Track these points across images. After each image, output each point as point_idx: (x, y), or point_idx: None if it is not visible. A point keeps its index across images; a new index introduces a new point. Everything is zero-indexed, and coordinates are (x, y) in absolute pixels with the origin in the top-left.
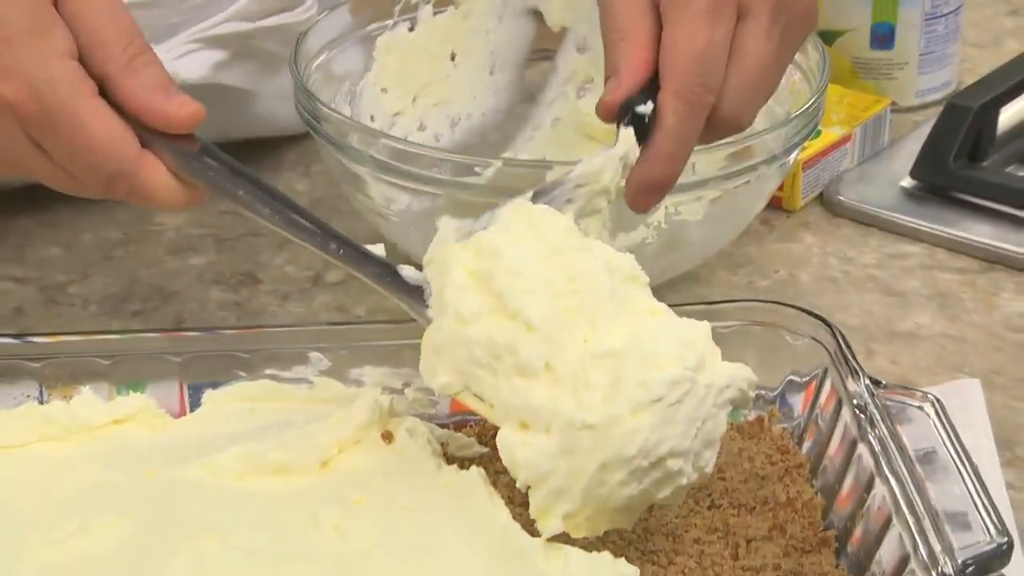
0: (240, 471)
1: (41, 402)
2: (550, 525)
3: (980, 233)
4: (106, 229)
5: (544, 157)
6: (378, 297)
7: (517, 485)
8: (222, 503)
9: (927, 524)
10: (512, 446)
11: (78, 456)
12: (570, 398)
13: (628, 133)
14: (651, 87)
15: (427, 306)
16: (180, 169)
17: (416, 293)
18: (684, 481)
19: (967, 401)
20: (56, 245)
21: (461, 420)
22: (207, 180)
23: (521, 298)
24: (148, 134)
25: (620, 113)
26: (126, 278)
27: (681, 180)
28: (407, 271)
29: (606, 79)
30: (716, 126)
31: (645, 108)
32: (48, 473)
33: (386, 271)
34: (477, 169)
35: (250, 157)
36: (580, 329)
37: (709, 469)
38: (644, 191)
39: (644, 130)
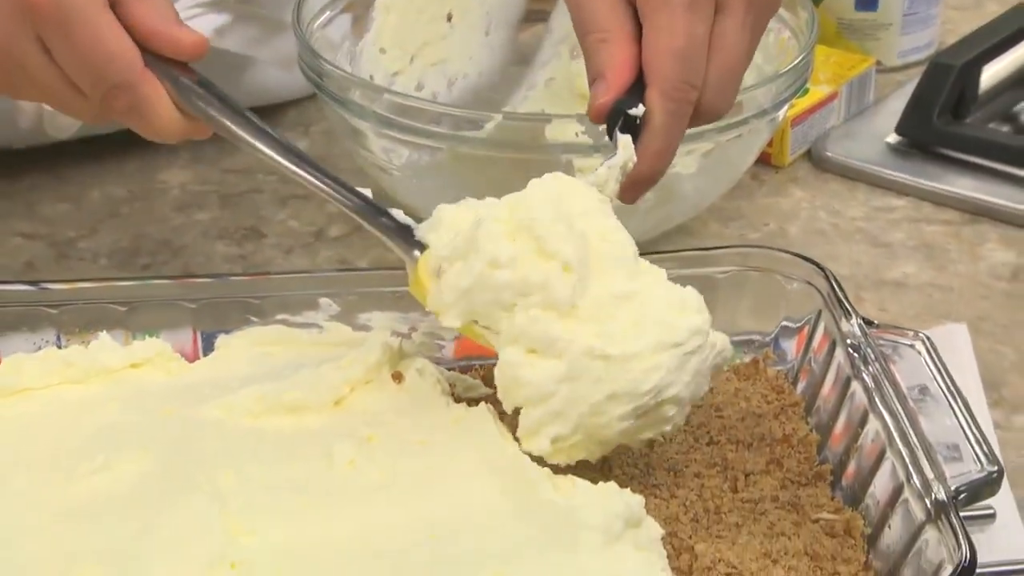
0: (255, 410)
1: (60, 348)
2: (536, 445)
3: (964, 187)
4: (112, 186)
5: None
6: (380, 251)
7: (504, 405)
8: (238, 440)
9: (920, 454)
10: (517, 365)
11: (98, 398)
12: (591, 330)
13: (627, 140)
14: (636, 85)
15: (415, 247)
16: (180, 100)
17: (405, 233)
18: (667, 428)
19: (954, 345)
20: (64, 202)
21: (466, 364)
22: (205, 112)
23: (560, 242)
24: (152, 60)
25: (610, 116)
26: (133, 233)
27: None
28: (397, 212)
29: (590, 81)
30: (699, 116)
31: (637, 111)
32: (69, 414)
33: (377, 210)
34: (478, 123)
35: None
36: (609, 276)
37: (677, 423)
38: (635, 187)
39: (635, 130)
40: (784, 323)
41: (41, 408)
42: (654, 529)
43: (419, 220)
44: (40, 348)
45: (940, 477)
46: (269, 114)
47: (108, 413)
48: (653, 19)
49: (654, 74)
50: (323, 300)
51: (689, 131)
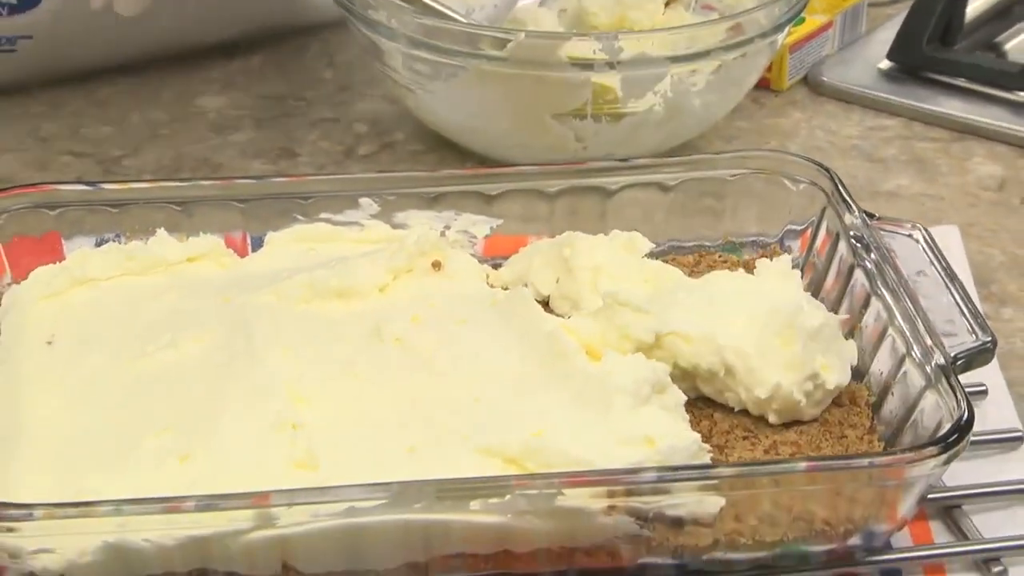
0: (306, 295)
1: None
2: None
3: (952, 108)
4: (151, 110)
5: None
6: (408, 165)
7: None
8: (291, 322)
9: (920, 327)
10: None
11: (159, 287)
12: None
13: None
14: None
15: None
16: None
17: None
18: None
19: (947, 244)
20: (107, 125)
21: (496, 262)
22: None
23: None
24: None
25: None
26: (174, 153)
27: (685, 51)
28: None
29: None
30: None
31: None
32: (134, 301)
33: None
34: (501, 43)
35: (277, 47)
36: None
37: None
38: None
39: None
40: (789, 226)
41: (108, 296)
42: (678, 395)
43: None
44: (101, 244)
45: (939, 345)
46: (294, 42)
47: (169, 300)
48: None
49: None
50: (363, 200)
51: (695, 49)
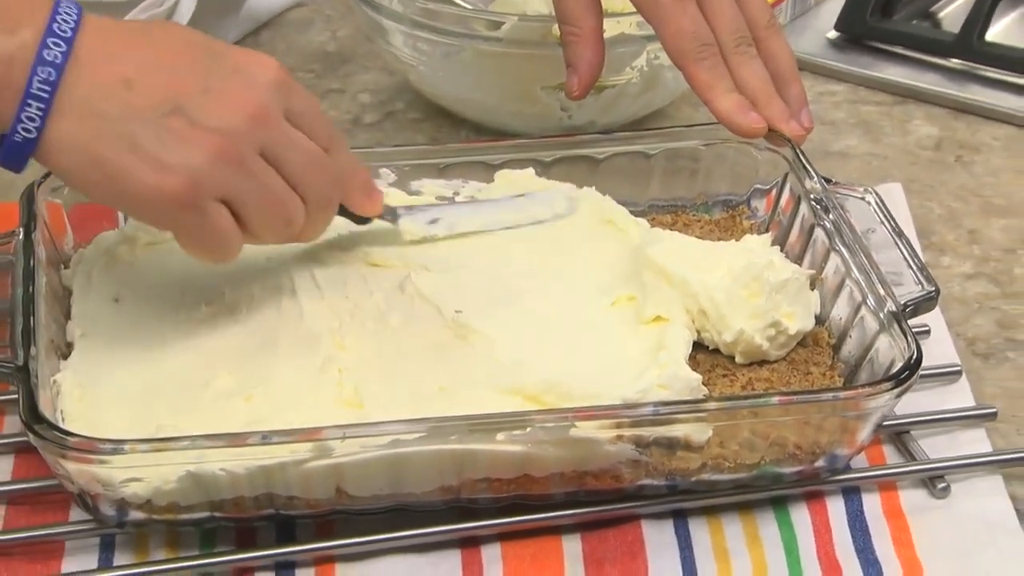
0: (344, 259)
1: None
2: None
3: (894, 73)
4: None
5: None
6: (409, 133)
7: None
8: (330, 279)
9: (873, 278)
10: None
11: None
12: None
13: None
14: None
15: None
16: None
17: None
18: None
19: (893, 199)
20: None
21: None
22: None
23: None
24: None
25: None
26: None
27: None
28: None
29: (567, 65)
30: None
31: None
32: (188, 262)
33: None
34: (496, 25)
35: (281, 18)
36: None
37: None
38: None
39: None
40: (756, 185)
41: (165, 257)
42: (688, 338)
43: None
44: None
45: (890, 295)
46: (300, 17)
47: None
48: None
49: (680, 54)
50: (383, 170)
51: None
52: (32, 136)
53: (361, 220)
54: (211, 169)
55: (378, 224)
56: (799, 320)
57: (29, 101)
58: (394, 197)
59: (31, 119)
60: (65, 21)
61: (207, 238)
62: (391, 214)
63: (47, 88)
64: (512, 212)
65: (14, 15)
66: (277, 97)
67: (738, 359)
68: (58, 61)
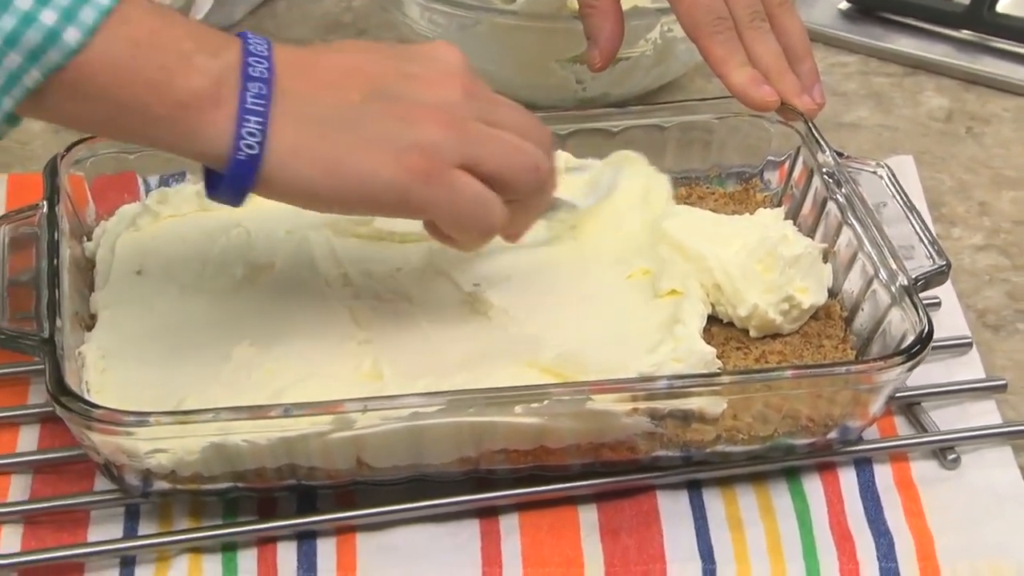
0: (360, 231)
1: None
2: None
3: (905, 45)
4: None
5: None
6: None
7: None
8: (347, 251)
9: (886, 253)
10: None
11: (229, 221)
12: None
13: None
14: None
15: None
16: None
17: None
18: None
19: (903, 172)
20: None
21: None
22: None
23: None
24: None
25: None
26: None
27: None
28: None
29: (587, 37)
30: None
31: None
32: (209, 234)
33: None
34: None
35: None
36: None
37: None
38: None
39: None
40: (769, 157)
41: (186, 230)
42: (703, 312)
43: None
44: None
45: (902, 269)
46: None
47: (239, 233)
48: None
49: (694, 27)
50: None
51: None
52: (255, 152)
53: None
54: (445, 140)
55: None
56: (812, 295)
57: (247, 116)
58: None
59: (252, 134)
60: (259, 44)
61: (467, 207)
62: None
63: (261, 101)
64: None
65: (213, 42)
66: (472, 74)
67: (752, 333)
68: (265, 76)
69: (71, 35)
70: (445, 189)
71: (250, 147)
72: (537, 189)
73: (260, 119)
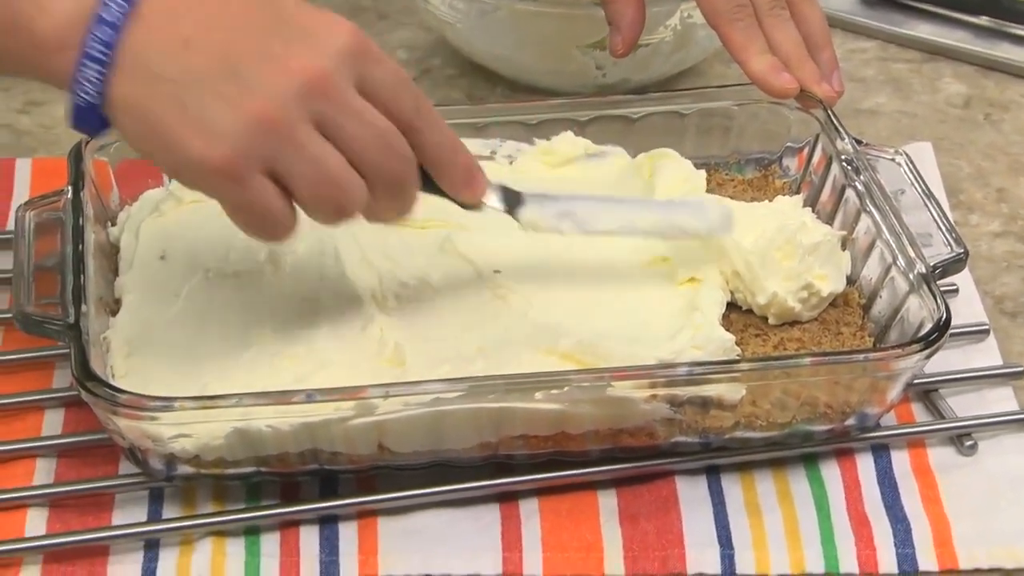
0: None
1: None
2: None
3: (923, 31)
4: None
5: None
6: (445, 90)
7: None
8: (371, 239)
9: (904, 240)
10: None
11: None
12: None
13: None
14: None
15: None
16: None
17: None
18: None
19: (921, 158)
20: None
21: None
22: None
23: None
24: None
25: None
26: None
27: None
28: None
29: (608, 21)
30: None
31: None
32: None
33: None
34: None
35: None
36: None
37: None
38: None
39: None
40: (788, 144)
41: (209, 216)
42: (722, 299)
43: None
44: None
45: (920, 256)
46: None
47: None
48: None
49: (715, 14)
50: None
51: None
52: (93, 100)
53: (467, 205)
54: (253, 139)
55: (490, 212)
56: (831, 282)
57: (86, 62)
58: None
59: (89, 81)
60: None
61: (253, 215)
62: (516, 200)
63: (104, 49)
64: (654, 217)
65: None
66: (346, 65)
67: (771, 320)
68: (118, 21)
69: None
70: (236, 188)
71: (87, 94)
72: (334, 221)
73: (99, 67)
